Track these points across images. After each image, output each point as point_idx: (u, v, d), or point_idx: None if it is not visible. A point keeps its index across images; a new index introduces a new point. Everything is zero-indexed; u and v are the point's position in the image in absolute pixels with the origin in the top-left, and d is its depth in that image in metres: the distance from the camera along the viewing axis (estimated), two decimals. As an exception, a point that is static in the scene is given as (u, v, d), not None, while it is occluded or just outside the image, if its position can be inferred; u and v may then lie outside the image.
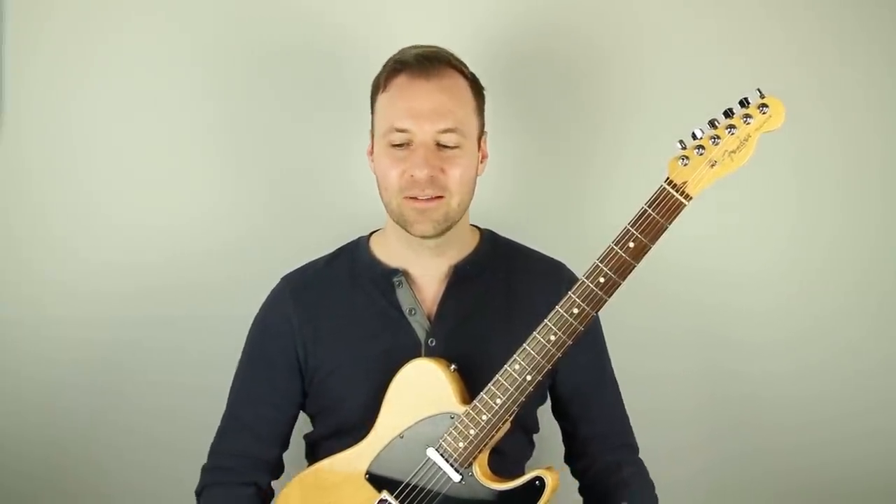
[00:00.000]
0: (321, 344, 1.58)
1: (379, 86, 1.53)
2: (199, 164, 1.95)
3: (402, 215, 1.49)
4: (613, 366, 1.69)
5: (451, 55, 1.53)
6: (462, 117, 1.50)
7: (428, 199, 1.47)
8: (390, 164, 1.49)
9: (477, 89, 1.56)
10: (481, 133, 1.57)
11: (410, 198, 1.48)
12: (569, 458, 1.68)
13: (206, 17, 1.92)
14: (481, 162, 1.58)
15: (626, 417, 1.68)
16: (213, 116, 1.94)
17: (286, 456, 1.66)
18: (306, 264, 1.66)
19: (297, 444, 1.68)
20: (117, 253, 1.95)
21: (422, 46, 1.53)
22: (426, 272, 1.58)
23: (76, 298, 1.95)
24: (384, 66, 1.54)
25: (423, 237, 1.50)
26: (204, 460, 1.65)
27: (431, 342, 1.54)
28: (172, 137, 1.94)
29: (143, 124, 1.93)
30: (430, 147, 1.47)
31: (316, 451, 1.62)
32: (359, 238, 1.66)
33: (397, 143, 1.48)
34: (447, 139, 1.48)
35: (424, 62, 1.49)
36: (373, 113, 1.56)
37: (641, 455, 1.66)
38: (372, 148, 1.56)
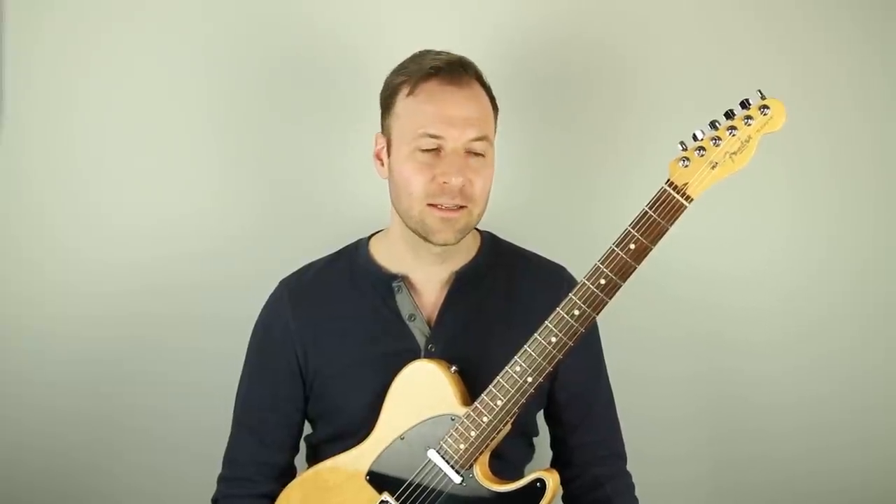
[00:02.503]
0: (320, 347, 1.57)
1: (398, 88, 1.50)
2: (199, 164, 1.95)
3: (424, 223, 1.47)
4: (611, 368, 1.68)
5: (476, 66, 1.52)
6: (488, 127, 1.50)
7: (452, 209, 1.46)
8: (417, 169, 1.46)
9: (493, 103, 1.55)
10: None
11: (434, 205, 1.46)
12: (555, 465, 1.66)
13: (206, 21, 1.91)
14: None
15: (618, 426, 1.67)
16: (213, 117, 1.94)
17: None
18: (304, 266, 1.66)
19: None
20: (117, 253, 1.95)
21: (444, 52, 1.52)
22: (427, 278, 1.57)
23: (76, 298, 1.95)
24: (405, 70, 1.51)
25: (444, 245, 1.49)
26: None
27: (431, 348, 1.53)
28: (172, 138, 1.93)
29: (142, 125, 1.92)
30: (460, 154, 1.46)
31: (317, 453, 1.61)
32: (358, 240, 1.65)
33: (426, 148, 1.46)
34: (477, 147, 1.47)
35: (458, 68, 1.48)
36: (390, 116, 1.52)
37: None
38: (388, 151, 1.53)
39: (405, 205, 1.49)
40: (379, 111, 1.56)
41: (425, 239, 1.49)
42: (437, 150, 1.46)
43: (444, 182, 1.45)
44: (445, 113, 1.46)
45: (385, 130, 1.54)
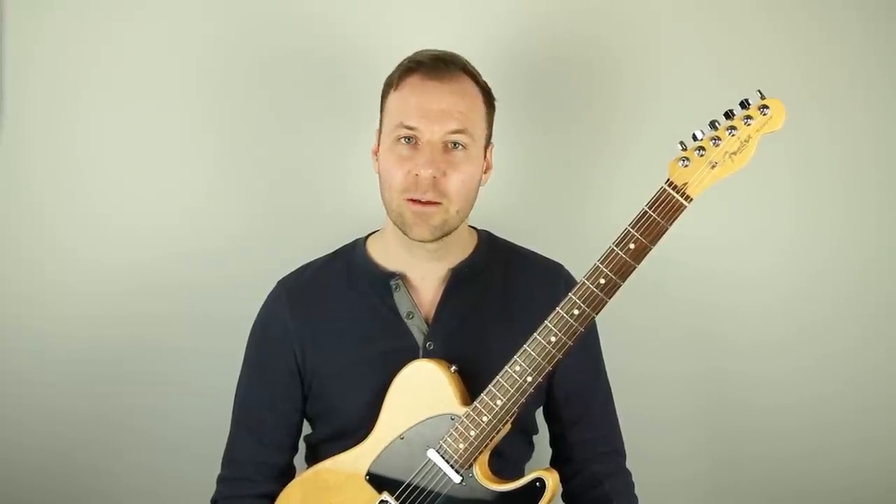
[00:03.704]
0: (319, 347, 1.58)
1: (391, 84, 1.52)
2: (198, 164, 1.95)
3: (402, 216, 1.49)
4: (611, 367, 1.68)
5: (467, 61, 1.53)
6: (471, 122, 1.50)
7: (426, 203, 1.46)
8: (396, 162, 1.48)
9: (488, 99, 1.55)
10: (488, 143, 1.57)
11: (411, 200, 1.47)
12: (555, 462, 1.66)
13: (206, 20, 1.91)
14: (485, 172, 1.57)
15: (617, 423, 1.67)
16: (212, 117, 1.94)
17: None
18: (302, 266, 1.66)
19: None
20: (117, 253, 1.95)
21: (438, 50, 1.53)
22: (424, 275, 1.57)
23: (76, 298, 1.95)
24: (398, 67, 1.53)
25: (421, 241, 1.50)
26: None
27: (429, 346, 1.54)
28: (172, 138, 1.93)
29: (142, 125, 1.92)
30: (436, 147, 1.47)
31: (316, 453, 1.62)
32: (356, 240, 1.66)
33: (404, 136, 1.47)
34: (456, 140, 1.48)
35: (440, 64, 1.49)
36: (382, 111, 1.55)
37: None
38: (378, 146, 1.55)
39: (387, 197, 1.51)
40: (379, 110, 1.58)
41: (405, 234, 1.50)
42: (414, 144, 1.48)
43: (416, 174, 1.46)
44: (423, 106, 1.47)
45: (379, 126, 1.56)
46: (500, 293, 1.59)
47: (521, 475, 1.45)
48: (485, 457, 1.45)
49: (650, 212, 1.34)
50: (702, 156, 1.33)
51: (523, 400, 1.40)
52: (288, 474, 1.63)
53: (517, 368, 1.39)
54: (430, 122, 1.46)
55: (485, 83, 1.55)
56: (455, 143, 1.48)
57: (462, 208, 1.51)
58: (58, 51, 1.91)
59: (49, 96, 1.91)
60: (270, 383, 1.61)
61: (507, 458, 1.54)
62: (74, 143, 1.93)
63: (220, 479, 1.63)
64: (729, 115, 1.32)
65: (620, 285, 1.36)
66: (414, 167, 1.46)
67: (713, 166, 1.33)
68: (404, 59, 1.54)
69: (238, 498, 1.60)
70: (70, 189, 1.94)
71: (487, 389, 1.41)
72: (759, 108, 1.31)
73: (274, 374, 1.60)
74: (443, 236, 1.50)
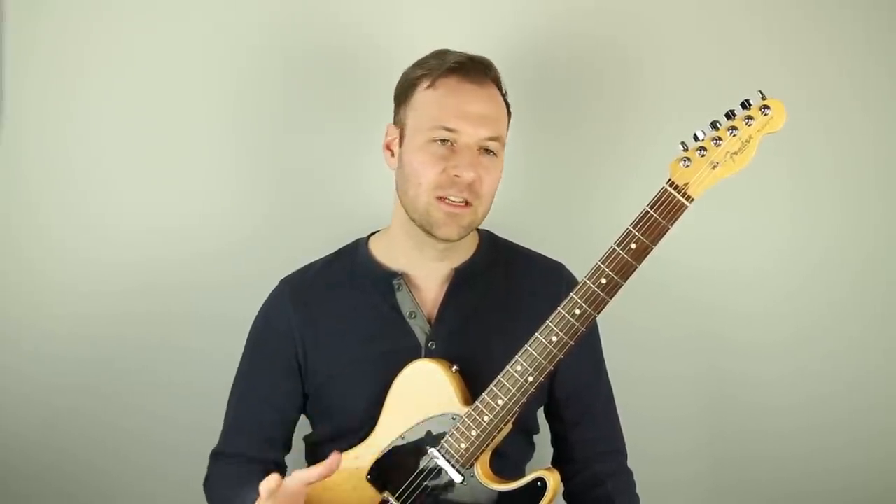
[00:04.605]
0: (321, 346, 1.57)
1: (417, 81, 1.51)
2: (199, 164, 1.95)
3: (430, 215, 1.48)
4: (612, 367, 1.68)
5: (496, 70, 1.55)
6: (501, 128, 1.52)
7: (459, 204, 1.47)
8: (430, 161, 1.47)
9: (508, 108, 1.57)
10: None
11: (441, 199, 1.47)
12: (557, 462, 1.67)
13: (208, 18, 1.91)
14: None
15: (618, 422, 1.67)
16: (214, 117, 1.93)
17: (286, 457, 1.66)
18: (305, 266, 1.66)
19: (297, 445, 1.68)
20: (117, 253, 1.94)
21: (465, 53, 1.53)
22: (427, 275, 1.58)
23: (76, 299, 1.95)
24: (426, 65, 1.52)
25: (447, 240, 1.50)
26: (204, 460, 1.65)
27: (431, 345, 1.54)
28: (173, 137, 1.93)
29: (143, 124, 1.92)
30: (474, 151, 1.48)
31: (316, 453, 1.61)
32: (357, 240, 1.66)
33: (441, 137, 1.47)
34: (490, 146, 1.49)
35: (480, 68, 1.51)
36: (405, 107, 1.53)
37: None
38: (399, 142, 1.54)
39: (412, 195, 1.50)
40: (390, 110, 1.57)
41: (428, 233, 1.50)
42: (450, 145, 1.48)
43: (456, 175, 1.46)
44: (463, 108, 1.47)
45: (398, 121, 1.55)
46: (501, 293, 1.60)
47: (522, 475, 1.45)
48: (486, 456, 1.45)
49: (651, 212, 1.34)
50: (703, 156, 1.33)
51: (525, 399, 1.40)
52: (282, 472, 1.62)
53: (519, 368, 1.40)
54: (469, 125, 1.47)
55: (505, 91, 1.57)
56: (488, 149, 1.49)
57: (486, 210, 1.53)
58: (57, 50, 1.90)
59: (49, 96, 1.91)
60: (270, 381, 1.60)
61: (508, 458, 1.54)
62: (74, 142, 1.92)
63: (210, 468, 1.63)
64: (730, 115, 1.33)
65: (622, 285, 1.36)
66: (453, 168, 1.46)
67: (714, 166, 1.33)
68: (429, 58, 1.53)
69: (229, 465, 1.60)
70: (70, 189, 1.93)
71: (489, 389, 1.41)
72: (761, 109, 1.32)
73: (274, 371, 1.60)
74: (464, 236, 1.52)
